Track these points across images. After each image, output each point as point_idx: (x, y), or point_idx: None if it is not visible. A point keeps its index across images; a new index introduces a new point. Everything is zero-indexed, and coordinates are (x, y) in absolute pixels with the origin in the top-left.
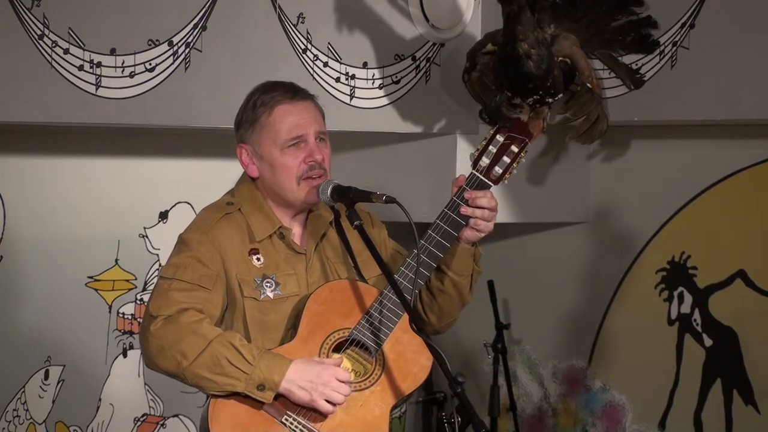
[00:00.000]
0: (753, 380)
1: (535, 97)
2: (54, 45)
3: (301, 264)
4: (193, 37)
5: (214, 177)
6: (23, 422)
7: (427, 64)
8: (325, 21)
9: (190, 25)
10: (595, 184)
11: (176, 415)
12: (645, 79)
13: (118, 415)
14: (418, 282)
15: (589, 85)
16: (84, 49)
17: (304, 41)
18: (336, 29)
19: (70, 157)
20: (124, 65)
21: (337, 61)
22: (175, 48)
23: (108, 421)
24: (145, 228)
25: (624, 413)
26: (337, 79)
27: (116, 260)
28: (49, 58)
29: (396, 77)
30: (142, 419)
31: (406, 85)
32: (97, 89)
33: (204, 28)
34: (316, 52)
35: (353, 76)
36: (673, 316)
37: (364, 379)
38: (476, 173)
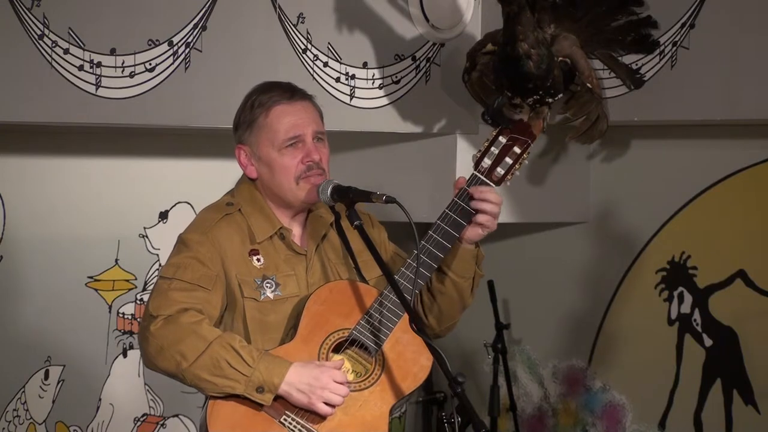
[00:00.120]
0: (753, 380)
1: (535, 97)
2: (54, 45)
3: (301, 265)
4: (193, 37)
5: (214, 177)
6: (23, 422)
7: (427, 64)
8: (325, 21)
9: (190, 25)
10: (595, 184)
11: (176, 415)
12: (645, 79)
13: (118, 415)
14: (418, 282)
15: (589, 85)
16: (84, 49)
17: (304, 41)
18: (336, 29)
19: (70, 157)
20: (124, 65)
21: (337, 61)
22: (175, 48)
23: (108, 421)
24: (145, 228)
25: (624, 413)
26: (337, 79)
27: (116, 260)
28: (49, 58)
29: (396, 77)
30: (142, 419)
31: (406, 85)
32: (97, 89)
33: (204, 28)
34: (316, 52)
35: (353, 76)
36: (673, 316)
37: (364, 379)
38: (478, 174)
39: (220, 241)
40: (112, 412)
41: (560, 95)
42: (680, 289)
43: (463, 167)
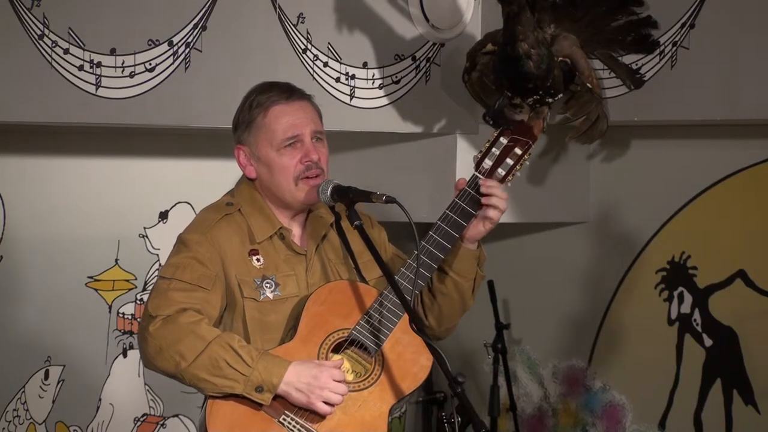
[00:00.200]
0: (753, 380)
1: (535, 97)
2: (54, 45)
3: (300, 265)
4: (193, 37)
5: (214, 177)
6: (23, 422)
7: (427, 64)
8: (325, 21)
9: (190, 25)
10: (595, 184)
11: (176, 415)
12: (645, 79)
13: (118, 415)
14: (418, 283)
15: (589, 85)
16: (84, 49)
17: (304, 41)
18: (336, 29)
19: (70, 157)
20: (124, 65)
21: (337, 61)
22: (175, 48)
23: (108, 421)
24: (145, 228)
25: (624, 413)
26: (337, 79)
27: (116, 260)
28: (49, 58)
29: (396, 77)
30: (142, 419)
31: (406, 85)
32: (97, 89)
33: (204, 28)
34: (316, 52)
35: (353, 76)
36: (673, 316)
37: (363, 379)
38: (478, 175)
39: (219, 242)
40: (112, 412)
41: (560, 95)
42: (680, 289)
43: (464, 167)
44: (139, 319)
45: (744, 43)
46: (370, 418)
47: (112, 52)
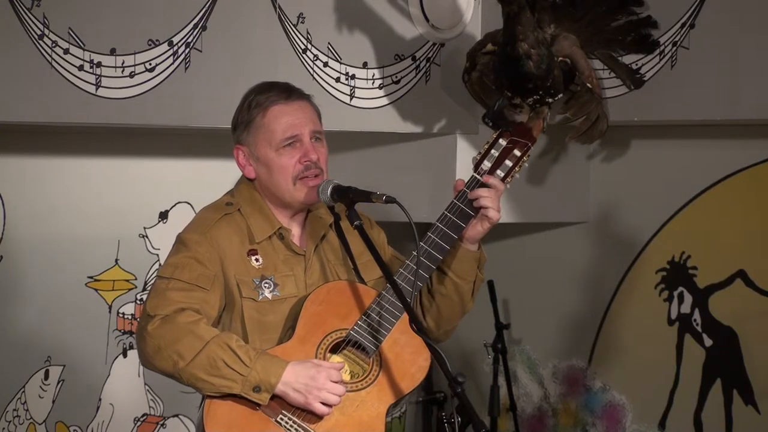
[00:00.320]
0: (753, 380)
1: (535, 97)
2: (54, 45)
3: (299, 265)
4: (193, 37)
5: (214, 177)
6: (23, 422)
7: (427, 64)
8: (325, 21)
9: (190, 25)
10: (595, 184)
11: (176, 415)
12: (645, 79)
13: (118, 415)
14: (417, 284)
15: (589, 85)
16: (84, 49)
17: (304, 41)
18: (336, 29)
19: (70, 157)
20: (124, 65)
21: (337, 61)
22: (175, 48)
23: (108, 421)
24: (145, 228)
25: (624, 413)
26: (337, 79)
27: (116, 260)
28: (49, 58)
29: (396, 77)
30: (142, 419)
31: (406, 85)
32: (97, 89)
33: (204, 28)
34: (316, 52)
35: (353, 76)
36: (673, 316)
37: (361, 380)
38: (477, 176)
39: (218, 241)
40: (112, 412)
41: (560, 95)
42: (680, 289)
43: (463, 167)
44: (138, 319)
45: (744, 43)
46: (367, 419)
47: (112, 52)
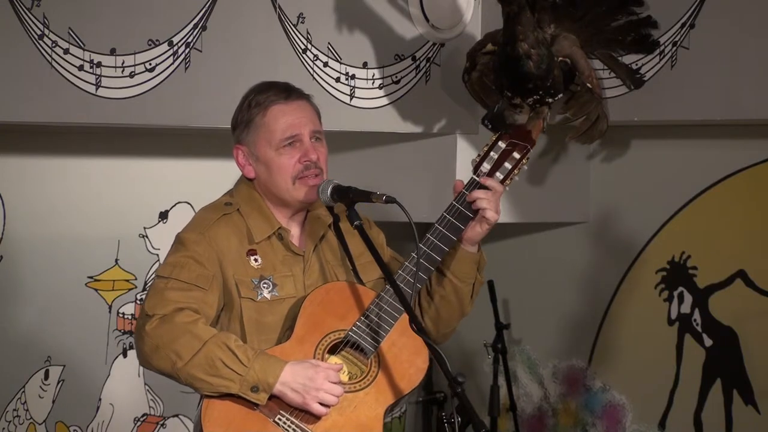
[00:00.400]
0: (753, 380)
1: (535, 97)
2: (54, 45)
3: (298, 266)
4: (193, 37)
5: (214, 177)
6: (23, 422)
7: (427, 64)
8: (325, 21)
9: (190, 25)
10: (595, 184)
11: (176, 415)
12: (645, 79)
13: (118, 415)
14: (416, 285)
15: (589, 85)
16: (84, 49)
17: (304, 41)
18: (336, 29)
19: (70, 157)
20: (124, 65)
21: (337, 61)
22: (175, 48)
23: (108, 421)
24: (145, 228)
25: (624, 413)
26: (337, 79)
27: (116, 260)
28: (49, 58)
29: (396, 77)
30: (142, 419)
31: (406, 85)
32: (97, 89)
33: (204, 28)
34: (316, 52)
35: (353, 76)
36: (673, 316)
37: (359, 381)
38: (476, 179)
39: (217, 241)
40: (112, 412)
41: (560, 95)
42: (680, 289)
43: (463, 167)
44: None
45: (744, 43)
46: (365, 419)
47: (112, 52)
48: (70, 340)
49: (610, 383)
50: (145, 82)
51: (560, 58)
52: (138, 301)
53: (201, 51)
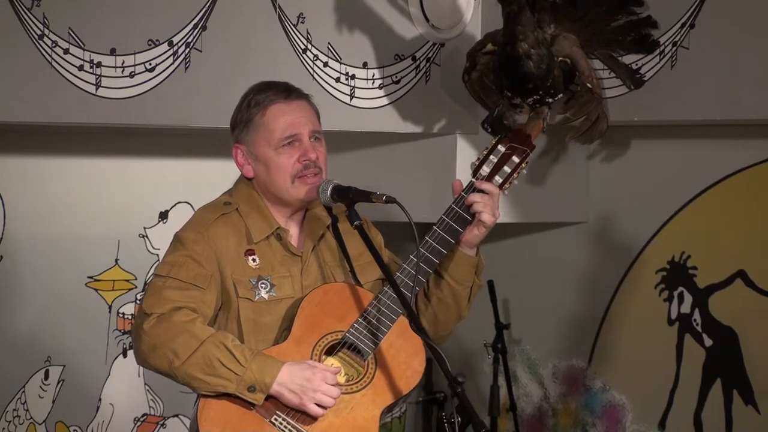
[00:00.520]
0: (753, 380)
1: (535, 97)
2: (54, 45)
3: (296, 266)
4: (193, 37)
5: (214, 177)
6: (23, 422)
7: (427, 64)
8: (325, 21)
9: (190, 25)
10: (595, 184)
11: (176, 415)
12: (645, 79)
13: (118, 415)
14: (415, 287)
15: (589, 85)
16: (84, 49)
17: (304, 41)
18: (336, 29)
19: (70, 157)
20: (124, 65)
21: (337, 61)
22: (175, 48)
23: (108, 421)
24: (145, 228)
25: (624, 413)
26: (337, 79)
27: (116, 260)
28: (49, 58)
29: (396, 77)
30: (142, 419)
31: (406, 85)
32: (97, 89)
33: (204, 28)
34: (316, 52)
35: (353, 76)
36: (673, 316)
37: (356, 382)
38: (475, 182)
39: (216, 241)
40: (112, 412)
41: (560, 95)
42: (680, 289)
43: (463, 167)
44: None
45: (744, 43)
46: (361, 421)
47: (112, 52)
48: (70, 340)
49: (610, 383)
50: (145, 82)
51: (560, 58)
52: (138, 301)
53: (201, 51)
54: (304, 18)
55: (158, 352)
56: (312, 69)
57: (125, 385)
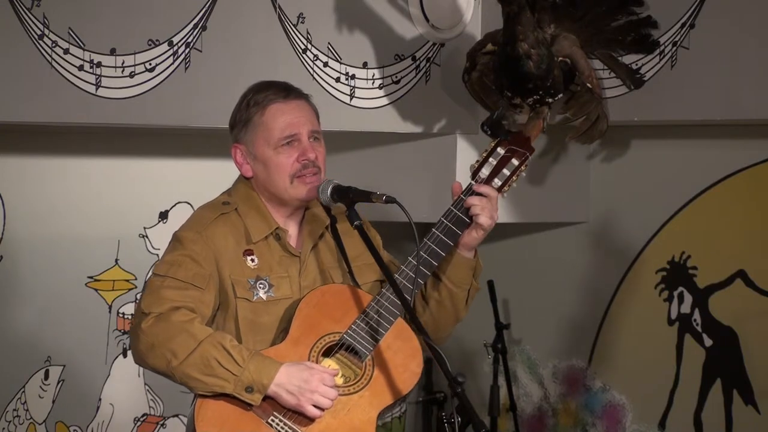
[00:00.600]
0: (753, 380)
1: (535, 97)
2: (54, 45)
3: (294, 267)
4: (193, 37)
5: (214, 177)
6: (23, 422)
7: (427, 64)
8: (325, 21)
9: (190, 25)
10: (595, 184)
11: (176, 415)
12: (645, 79)
13: (118, 415)
14: (414, 289)
15: (589, 85)
16: (84, 49)
17: (304, 41)
18: (336, 29)
19: (70, 157)
20: (124, 65)
21: (337, 61)
22: (175, 48)
23: (108, 421)
24: (145, 228)
25: (624, 413)
26: (337, 79)
27: (116, 260)
28: (49, 58)
29: (396, 77)
30: (142, 419)
31: (406, 85)
32: (97, 89)
33: (204, 28)
34: (316, 52)
35: (353, 76)
36: (673, 316)
37: (353, 384)
38: (474, 184)
39: (214, 240)
40: (112, 412)
41: (560, 95)
42: (680, 289)
43: (463, 167)
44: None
45: (744, 43)
46: (358, 423)
47: (112, 52)
48: (70, 340)
49: (610, 383)
50: (145, 82)
51: (560, 58)
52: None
53: (201, 51)
54: (304, 18)
55: (156, 351)
56: (312, 69)
57: (125, 385)
